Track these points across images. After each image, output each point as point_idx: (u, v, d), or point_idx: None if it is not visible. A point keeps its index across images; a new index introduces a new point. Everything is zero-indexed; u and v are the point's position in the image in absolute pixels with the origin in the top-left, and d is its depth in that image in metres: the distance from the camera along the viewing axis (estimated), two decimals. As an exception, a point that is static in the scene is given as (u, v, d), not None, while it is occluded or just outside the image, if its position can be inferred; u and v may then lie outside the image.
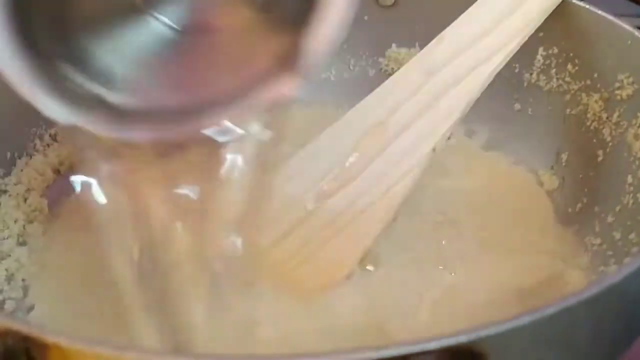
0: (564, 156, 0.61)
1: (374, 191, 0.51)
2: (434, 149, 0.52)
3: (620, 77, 0.56)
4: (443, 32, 0.57)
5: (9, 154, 0.57)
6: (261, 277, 0.48)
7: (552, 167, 0.61)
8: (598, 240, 0.54)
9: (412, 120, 0.53)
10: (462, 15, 0.57)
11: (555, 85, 0.61)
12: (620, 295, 0.35)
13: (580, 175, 0.59)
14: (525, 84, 0.63)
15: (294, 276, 0.49)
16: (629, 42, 0.55)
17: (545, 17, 0.57)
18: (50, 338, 0.30)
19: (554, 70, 0.61)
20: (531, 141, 0.63)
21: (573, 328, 0.34)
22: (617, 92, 0.56)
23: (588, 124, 0.59)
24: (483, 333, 0.30)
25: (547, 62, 0.62)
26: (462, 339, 0.30)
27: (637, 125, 0.54)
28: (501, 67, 0.55)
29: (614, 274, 0.35)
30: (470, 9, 0.57)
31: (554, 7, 0.58)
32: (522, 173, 0.62)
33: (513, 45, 0.55)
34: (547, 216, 0.58)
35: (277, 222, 0.51)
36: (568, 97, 0.60)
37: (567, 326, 0.33)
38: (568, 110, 0.60)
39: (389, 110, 0.54)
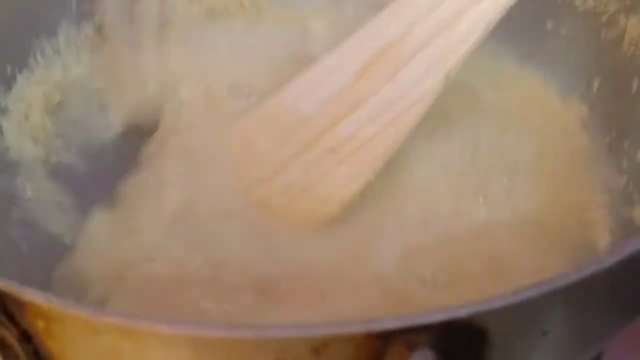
0: (596, 83, 0.56)
1: (382, 119, 0.48)
2: (447, 76, 0.48)
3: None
4: None
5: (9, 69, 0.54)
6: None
7: (582, 94, 0.57)
8: (624, 179, 0.51)
9: (428, 41, 0.49)
10: None
11: (592, 6, 0.56)
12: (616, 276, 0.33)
13: (612, 106, 0.55)
14: (560, 2, 0.58)
15: (291, 207, 0.48)
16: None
17: None
18: (26, 296, 0.29)
19: (590, -13, 0.57)
20: (562, 64, 0.58)
21: (580, 300, 0.32)
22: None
23: (625, 49, 0.54)
24: (483, 308, 0.29)
25: (584, -22, 0.57)
26: (462, 313, 0.29)
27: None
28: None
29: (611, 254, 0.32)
30: None
31: None
32: (552, 97, 0.59)
33: None
34: (575, 148, 0.55)
35: (286, 142, 0.49)
36: (605, 18, 0.55)
37: (574, 299, 0.31)
38: (604, 33, 0.56)
39: (404, 28, 0.49)
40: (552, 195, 0.53)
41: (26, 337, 0.31)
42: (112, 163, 0.56)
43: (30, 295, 0.29)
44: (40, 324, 0.30)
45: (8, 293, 0.30)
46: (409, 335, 0.28)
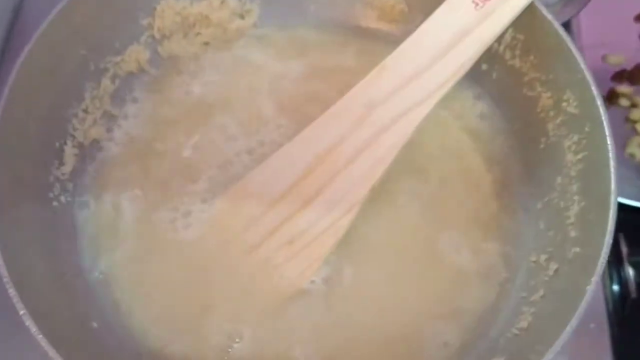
0: (514, 129, 0.68)
1: (328, 218, 0.62)
2: (373, 187, 0.61)
3: (569, 94, 0.61)
4: (384, 62, 0.62)
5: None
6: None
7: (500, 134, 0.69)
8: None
9: (356, 155, 0.61)
10: (404, 44, 0.62)
11: (517, 65, 0.65)
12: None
13: (523, 154, 0.67)
14: (493, 51, 0.66)
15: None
16: (579, 75, 0.59)
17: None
18: None
19: (518, 52, 0.65)
20: (487, 102, 0.70)
21: None
22: (564, 103, 0.61)
23: (538, 110, 0.65)
24: None
25: (514, 42, 0.65)
26: None
27: (573, 141, 0.61)
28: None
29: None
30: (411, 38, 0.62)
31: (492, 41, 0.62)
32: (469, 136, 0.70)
33: (446, 89, 0.61)
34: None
35: (250, 228, 0.64)
36: (526, 79, 0.65)
37: None
38: (525, 89, 0.65)
39: (330, 144, 0.62)
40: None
41: None
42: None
43: None
44: None
45: None
46: None
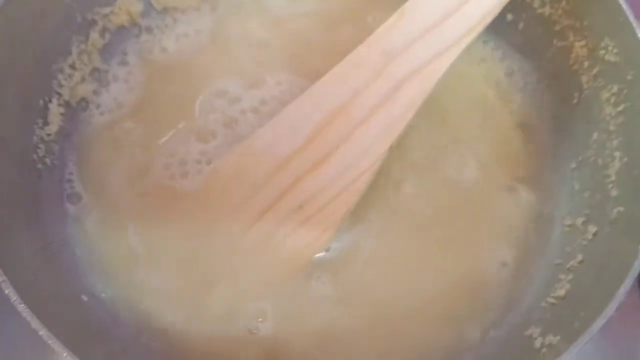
0: (543, 85, 0.62)
1: (340, 182, 0.56)
2: (391, 146, 0.55)
3: (607, 41, 0.55)
4: (403, 7, 0.55)
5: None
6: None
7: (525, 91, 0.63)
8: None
9: (373, 110, 0.55)
10: None
11: (547, 13, 0.60)
12: None
13: (554, 111, 0.62)
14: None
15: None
16: (621, 18, 0.53)
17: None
18: None
19: (549, -1, 0.59)
20: (513, 58, 0.64)
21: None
22: (602, 51, 0.55)
23: (571, 62, 0.59)
24: None
25: (544, -14, 0.59)
26: None
27: (612, 92, 0.55)
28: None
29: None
30: None
31: None
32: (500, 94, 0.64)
33: (471, 38, 0.54)
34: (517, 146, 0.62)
35: (256, 194, 0.57)
36: (557, 28, 0.59)
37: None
38: (555, 40, 0.60)
39: (349, 95, 0.55)
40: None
41: None
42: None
43: None
44: None
45: None
46: None
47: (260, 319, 0.56)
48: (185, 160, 0.60)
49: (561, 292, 0.53)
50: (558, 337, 0.49)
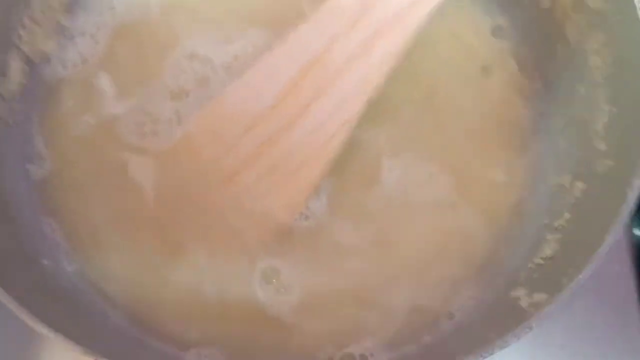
0: (529, 41, 0.60)
1: (315, 139, 0.53)
2: (369, 101, 0.52)
3: (593, -15, 0.53)
4: None
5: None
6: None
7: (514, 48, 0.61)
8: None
9: (350, 61, 0.52)
10: None
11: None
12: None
13: (538, 67, 0.59)
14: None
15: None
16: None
17: None
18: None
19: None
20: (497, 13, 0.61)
21: None
22: (587, -1, 0.53)
23: (555, 15, 0.57)
24: None
25: None
26: None
27: (599, 42, 0.53)
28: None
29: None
30: None
31: None
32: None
33: None
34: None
35: (229, 152, 0.54)
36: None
37: None
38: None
39: (325, 43, 0.52)
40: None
41: None
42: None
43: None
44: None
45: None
46: None
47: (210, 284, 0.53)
48: (157, 119, 0.57)
49: (548, 252, 0.51)
50: (545, 295, 0.46)
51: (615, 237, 0.43)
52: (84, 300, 0.52)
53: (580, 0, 0.54)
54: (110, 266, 0.54)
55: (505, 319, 0.47)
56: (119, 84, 0.58)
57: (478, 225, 0.56)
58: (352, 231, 0.55)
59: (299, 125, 0.53)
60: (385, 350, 0.52)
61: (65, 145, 0.56)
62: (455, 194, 0.56)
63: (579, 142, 0.54)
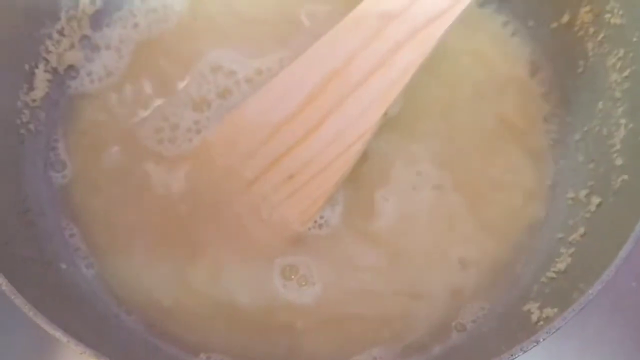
0: (549, 55, 0.60)
1: (332, 149, 0.53)
2: (386, 113, 0.53)
3: (613, 4, 0.52)
4: None
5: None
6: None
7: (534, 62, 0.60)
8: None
9: (368, 75, 0.53)
10: None
11: (551, -23, 0.57)
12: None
13: (559, 82, 0.59)
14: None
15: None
16: (626, -24, 0.50)
17: None
18: None
19: (551, -38, 0.57)
20: (516, 27, 0.61)
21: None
22: (607, 15, 0.53)
23: (575, 30, 0.56)
24: None
25: (546, -51, 0.57)
26: None
27: (618, 57, 0.52)
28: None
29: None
30: None
31: None
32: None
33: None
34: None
35: (248, 160, 0.55)
36: (562, -8, 0.57)
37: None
38: (559, 7, 0.57)
39: (343, 59, 0.53)
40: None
41: None
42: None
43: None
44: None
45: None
46: None
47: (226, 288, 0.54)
48: (177, 127, 0.58)
49: (562, 266, 0.51)
50: (555, 310, 0.46)
51: (627, 252, 0.43)
52: (100, 304, 0.52)
53: (600, 15, 0.54)
54: (129, 271, 0.55)
55: (515, 333, 0.47)
56: (142, 95, 0.59)
57: (492, 240, 0.55)
58: (364, 242, 0.55)
59: (316, 136, 0.53)
60: (397, 360, 0.52)
61: (88, 153, 0.57)
62: (469, 208, 0.56)
63: (596, 156, 0.54)
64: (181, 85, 0.60)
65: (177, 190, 0.56)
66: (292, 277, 0.54)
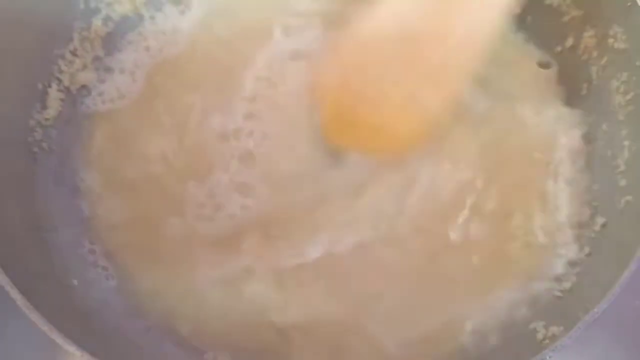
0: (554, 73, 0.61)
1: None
2: None
3: (617, 29, 0.53)
4: None
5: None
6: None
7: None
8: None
9: None
10: None
11: (555, 4, 0.58)
12: None
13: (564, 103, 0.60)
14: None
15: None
16: (629, 3, 0.51)
17: None
18: None
19: (556, -13, 0.58)
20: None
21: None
22: (611, 39, 0.54)
23: (579, 53, 0.57)
24: None
25: (553, -24, 0.58)
26: None
27: (622, 81, 0.53)
28: None
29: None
30: None
31: None
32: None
33: None
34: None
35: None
36: (566, 19, 0.58)
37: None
38: (563, 31, 0.58)
39: None
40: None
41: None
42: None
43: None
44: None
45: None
46: None
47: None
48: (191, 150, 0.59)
49: (567, 285, 0.51)
50: (561, 328, 0.46)
51: (632, 272, 0.44)
52: (111, 317, 0.53)
53: (604, 40, 0.55)
54: (139, 284, 0.56)
55: (520, 350, 0.48)
56: (153, 120, 0.60)
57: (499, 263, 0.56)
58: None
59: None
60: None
61: (102, 172, 0.58)
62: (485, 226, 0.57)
63: (601, 177, 0.54)
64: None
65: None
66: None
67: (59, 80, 0.58)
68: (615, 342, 0.59)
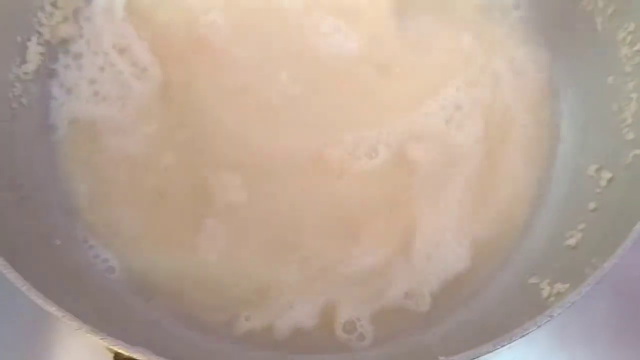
0: (557, 27, 0.58)
1: None
2: None
3: (621, -27, 0.51)
4: None
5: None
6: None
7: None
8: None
9: None
10: None
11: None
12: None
13: (567, 58, 0.58)
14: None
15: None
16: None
17: None
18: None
19: None
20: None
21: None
22: (616, -15, 0.52)
23: (584, 4, 0.55)
24: None
25: None
26: None
27: (628, 31, 0.51)
28: None
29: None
30: None
31: None
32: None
33: None
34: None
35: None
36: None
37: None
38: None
39: None
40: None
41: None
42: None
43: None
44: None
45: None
46: None
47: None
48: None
49: (572, 242, 0.49)
50: (567, 285, 0.44)
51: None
52: (97, 279, 0.51)
53: (609, -11, 0.53)
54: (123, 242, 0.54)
55: (524, 308, 0.46)
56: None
57: (501, 215, 0.54)
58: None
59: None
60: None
61: (83, 124, 0.56)
62: (481, 184, 0.56)
63: (607, 132, 0.52)
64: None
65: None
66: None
67: (39, 34, 0.56)
68: (615, 308, 0.57)
